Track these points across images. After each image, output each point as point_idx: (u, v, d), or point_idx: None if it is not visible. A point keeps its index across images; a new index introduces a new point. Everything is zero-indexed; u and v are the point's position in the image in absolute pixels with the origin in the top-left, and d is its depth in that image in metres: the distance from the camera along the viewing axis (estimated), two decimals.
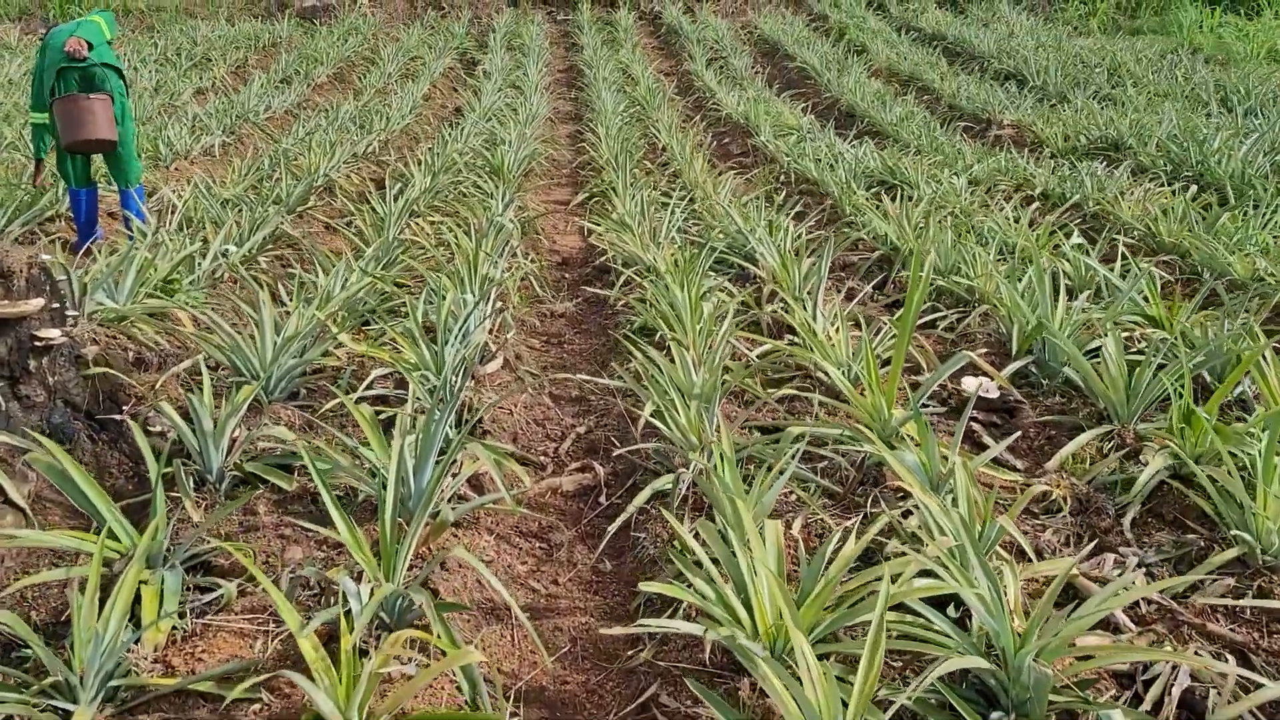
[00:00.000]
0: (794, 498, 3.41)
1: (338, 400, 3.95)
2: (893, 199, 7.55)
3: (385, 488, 2.99)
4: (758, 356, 4.60)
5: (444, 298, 4.67)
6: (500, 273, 5.61)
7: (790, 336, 4.81)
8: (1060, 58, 14.68)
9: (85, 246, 6.42)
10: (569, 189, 9.72)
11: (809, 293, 5.17)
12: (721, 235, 6.49)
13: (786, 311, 5.12)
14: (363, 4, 19.69)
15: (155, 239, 5.79)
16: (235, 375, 4.11)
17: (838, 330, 4.43)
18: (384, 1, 20.14)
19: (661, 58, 17.38)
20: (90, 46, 6.32)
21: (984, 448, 3.96)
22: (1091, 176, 7.58)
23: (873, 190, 8.31)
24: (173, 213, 6.88)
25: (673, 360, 4.21)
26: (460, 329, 4.50)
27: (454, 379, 4.17)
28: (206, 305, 5.28)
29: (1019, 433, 3.94)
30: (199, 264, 5.71)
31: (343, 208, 8.18)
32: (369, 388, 4.16)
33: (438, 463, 3.39)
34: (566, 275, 7.01)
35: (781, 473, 3.14)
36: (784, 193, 8.53)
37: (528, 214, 7.78)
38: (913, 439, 3.65)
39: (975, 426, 4.05)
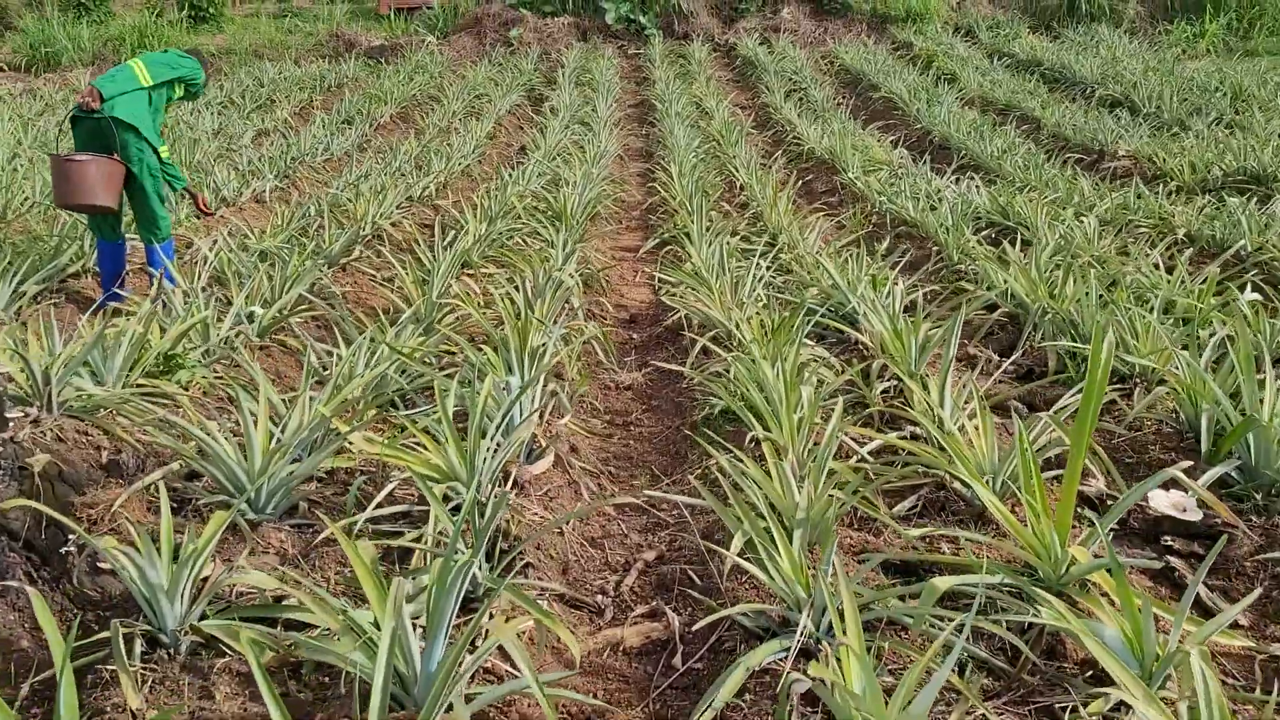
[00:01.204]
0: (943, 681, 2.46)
1: (344, 522, 3.12)
2: (1011, 244, 6.55)
3: (376, 677, 2.14)
4: (869, 454, 3.66)
5: (482, 380, 3.83)
6: (555, 340, 4.77)
7: (911, 428, 3.85)
8: (1173, 82, 13.47)
9: (102, 305, 5.78)
10: (639, 233, 8.89)
11: (930, 370, 4.22)
12: (816, 292, 5.56)
13: (900, 393, 4.18)
14: (430, 42, 19.27)
15: (155, 305, 5.07)
16: (218, 490, 3.32)
17: (976, 424, 3.47)
18: (452, 39, 19.70)
19: (737, 90, 16.54)
20: (102, 98, 5.70)
21: (1181, 588, 2.98)
22: (1248, 216, 6.47)
23: (982, 233, 7.31)
24: (204, 266, 6.21)
25: (765, 466, 3.31)
26: (502, 421, 3.66)
27: (488, 490, 3.31)
28: (217, 383, 4.53)
29: (1236, 575, 2.94)
30: (214, 332, 4.98)
31: (392, 258, 7.46)
32: (389, 499, 3.34)
33: (458, 627, 2.53)
34: (634, 335, 6.15)
35: (930, 670, 2.21)
36: (881, 238, 7.57)
37: (591, 267, 6.94)
38: (1097, 586, 2.69)
39: (1172, 560, 3.06)
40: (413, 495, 3.43)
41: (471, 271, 6.78)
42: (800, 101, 14.73)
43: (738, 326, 4.92)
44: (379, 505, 3.24)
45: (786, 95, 14.95)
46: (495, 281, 6.49)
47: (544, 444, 3.91)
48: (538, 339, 4.56)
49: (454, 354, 4.82)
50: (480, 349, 4.43)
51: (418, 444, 3.44)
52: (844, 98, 15.13)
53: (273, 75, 16.35)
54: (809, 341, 4.79)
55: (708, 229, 7.53)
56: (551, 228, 7.44)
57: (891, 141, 11.78)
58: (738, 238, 7.59)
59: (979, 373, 4.55)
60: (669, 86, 15.46)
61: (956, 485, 3.36)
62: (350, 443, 3.50)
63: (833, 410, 3.63)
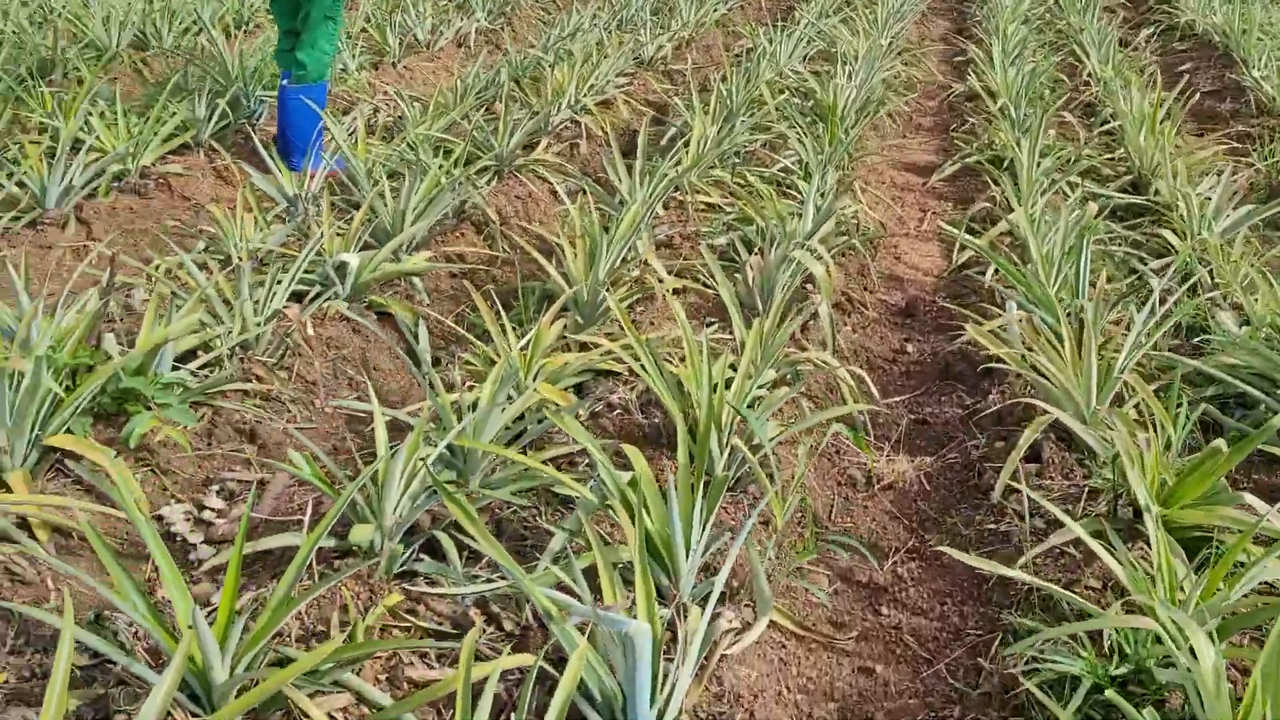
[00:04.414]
0: None
1: None
2: None
3: None
4: None
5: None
6: (767, 420, 2.74)
7: None
8: None
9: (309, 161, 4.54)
10: (933, 143, 6.45)
11: None
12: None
13: None
14: None
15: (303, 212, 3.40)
16: None
17: None
18: None
19: None
20: None
21: None
22: None
23: None
24: (325, 169, 4.53)
25: None
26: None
27: None
28: (213, 435, 2.85)
29: None
30: (249, 310, 3.28)
31: (587, 159, 5.51)
32: None
33: None
34: (909, 348, 3.97)
35: None
36: None
37: (859, 219, 4.69)
38: None
39: None
40: None
41: (682, 197, 4.74)
42: None
43: (1113, 428, 2.68)
44: None
45: None
46: (710, 223, 4.45)
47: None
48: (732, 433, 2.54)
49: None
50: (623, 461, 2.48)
51: None
52: None
53: None
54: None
55: (1043, 153, 5.06)
56: (810, 138, 5.19)
57: None
58: (1085, 179, 5.08)
59: None
60: None
61: None
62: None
63: None
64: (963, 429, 3.35)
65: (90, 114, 4.64)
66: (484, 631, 2.18)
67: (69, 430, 2.55)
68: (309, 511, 2.60)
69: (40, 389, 2.39)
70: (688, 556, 2.29)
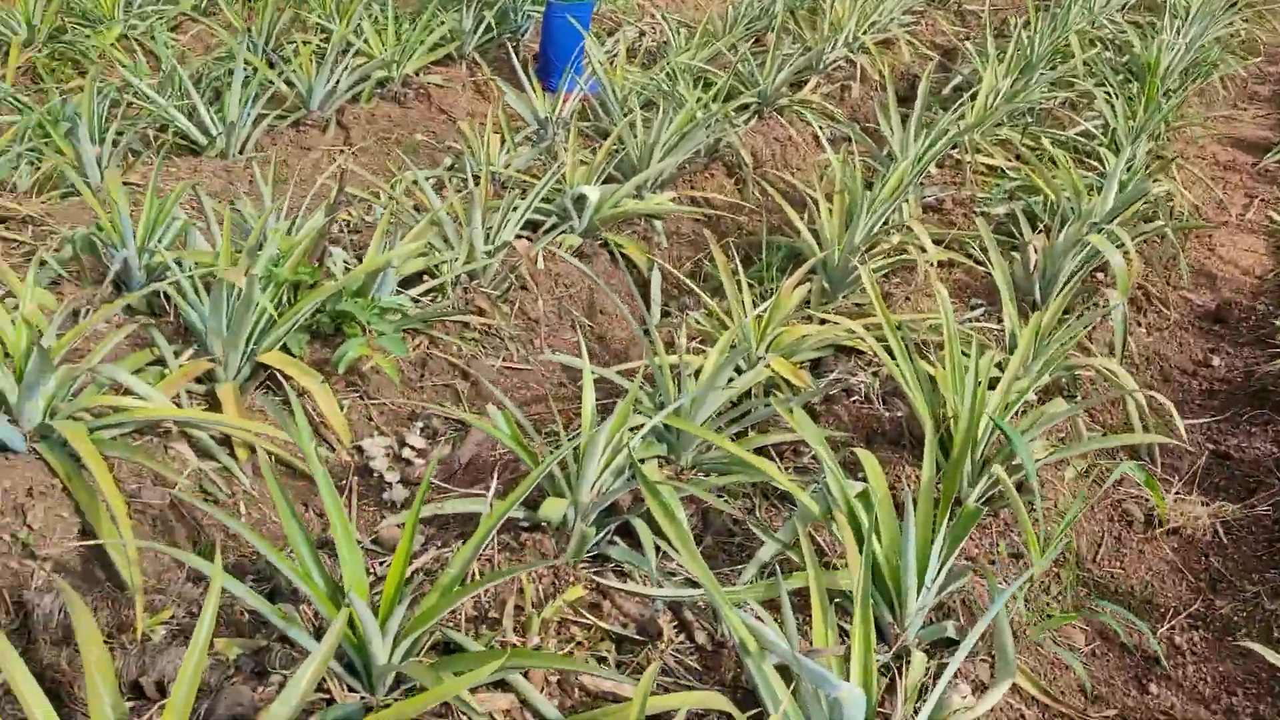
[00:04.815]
0: None
1: None
2: None
3: None
4: None
5: None
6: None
7: None
8: None
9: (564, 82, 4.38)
10: (1272, 118, 5.49)
11: None
12: None
13: None
14: None
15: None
16: None
17: None
18: None
19: None
20: None
21: None
22: None
23: None
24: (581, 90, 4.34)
25: None
26: None
27: None
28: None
29: None
30: (499, 230, 3.13)
31: (857, 104, 5.04)
32: None
33: None
34: (1215, 360, 3.34)
35: None
36: None
37: (1163, 215, 4.01)
38: None
39: None
40: None
41: (960, 155, 4.22)
42: None
43: None
44: None
45: None
46: (988, 189, 3.93)
47: None
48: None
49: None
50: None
51: None
52: None
53: None
54: None
55: None
56: (1121, 100, 4.48)
57: None
58: None
59: None
60: None
61: None
62: None
63: None
64: (1278, 473, 2.76)
65: (363, 18, 4.64)
66: (671, 641, 1.92)
67: (284, 347, 2.47)
68: (502, 472, 2.43)
69: (255, 303, 2.31)
70: (918, 593, 1.94)
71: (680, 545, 1.78)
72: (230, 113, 3.74)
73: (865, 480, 2.12)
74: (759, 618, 2.01)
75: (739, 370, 2.62)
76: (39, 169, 3.43)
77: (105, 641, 1.72)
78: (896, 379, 2.49)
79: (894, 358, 2.53)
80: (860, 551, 1.84)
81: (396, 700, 1.67)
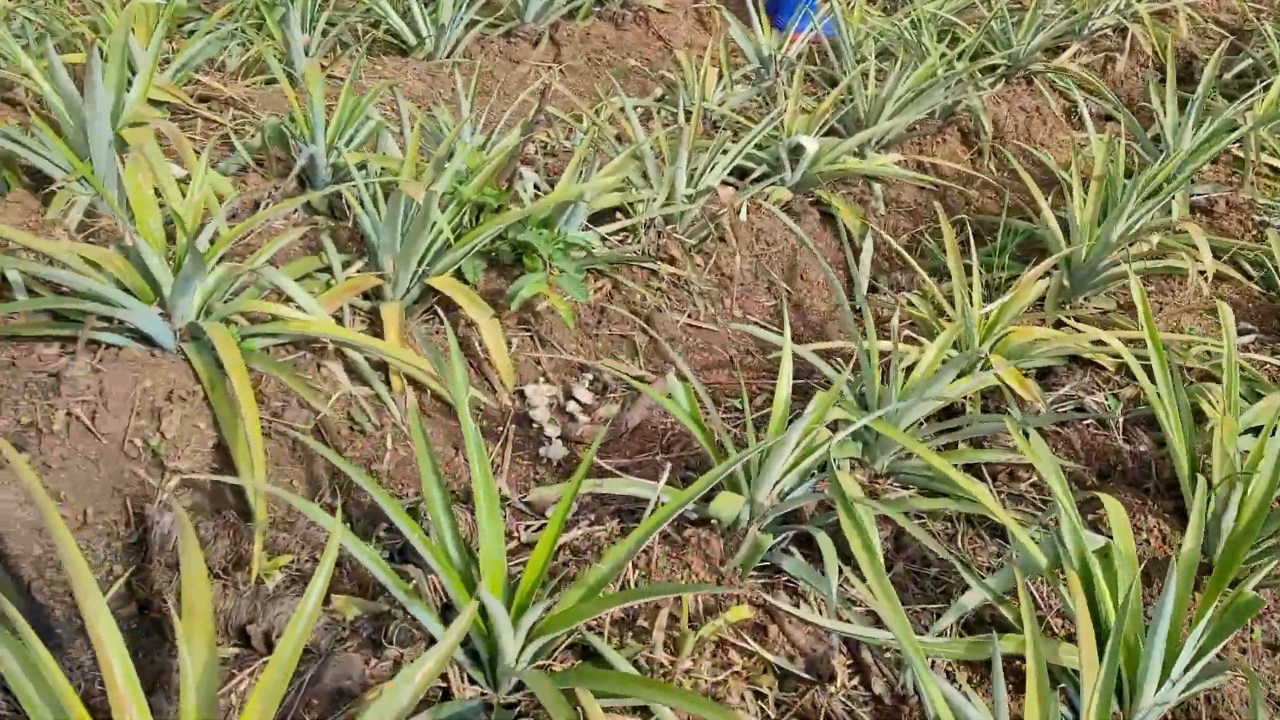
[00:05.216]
0: None
1: None
2: None
3: None
4: None
5: None
6: None
7: None
8: None
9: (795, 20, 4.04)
10: None
11: None
12: None
13: None
14: None
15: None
16: None
17: None
18: None
19: None
20: None
21: None
22: None
23: None
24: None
25: None
26: None
27: None
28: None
29: None
30: (704, 174, 2.84)
31: (1122, 78, 4.44)
32: None
33: None
34: None
35: None
36: None
37: None
38: None
39: None
40: None
41: (1242, 153, 3.63)
42: None
43: None
44: None
45: None
46: (1274, 195, 3.36)
47: None
48: None
49: None
50: None
51: None
52: None
53: None
54: None
55: None
56: None
57: None
58: None
59: None
60: None
61: None
62: None
63: None
64: None
65: None
66: (845, 687, 1.62)
67: (458, 272, 2.27)
68: (672, 445, 2.17)
69: (432, 221, 2.10)
70: (1159, 687, 1.57)
71: (874, 581, 1.47)
72: (443, 14, 3.56)
73: (1106, 532, 1.75)
74: (949, 673, 1.68)
75: (962, 371, 2.25)
76: (249, 51, 3.35)
77: (219, 578, 1.56)
78: (1154, 408, 2.07)
79: (1154, 382, 2.10)
80: (1090, 623, 1.49)
81: (520, 704, 1.44)
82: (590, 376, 2.37)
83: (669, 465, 1.78)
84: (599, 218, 2.70)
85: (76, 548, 1.15)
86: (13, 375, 1.65)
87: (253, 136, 2.76)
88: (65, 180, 2.19)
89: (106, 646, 1.12)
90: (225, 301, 1.92)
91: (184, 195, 2.09)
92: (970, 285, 2.50)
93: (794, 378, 2.11)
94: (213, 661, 1.24)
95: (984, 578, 1.75)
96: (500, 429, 2.17)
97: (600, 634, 1.53)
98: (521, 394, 2.25)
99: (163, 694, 1.40)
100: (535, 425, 2.20)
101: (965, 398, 2.29)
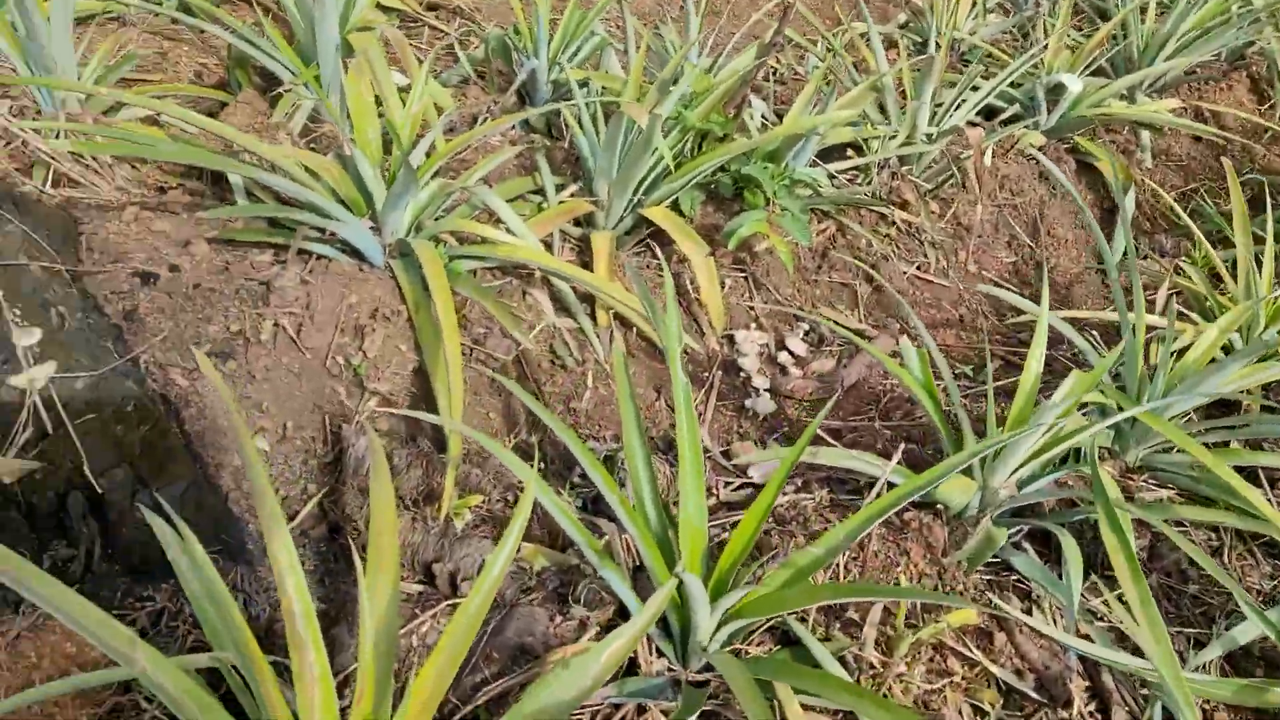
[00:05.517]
0: None
1: None
2: None
3: None
4: None
5: None
6: None
7: None
8: None
9: None
10: None
11: None
12: None
13: None
14: None
15: None
16: None
17: None
18: None
19: None
20: None
21: None
22: None
23: None
24: None
25: None
26: None
27: None
28: None
29: None
30: (949, 112, 2.56)
31: None
32: None
33: None
34: None
35: None
36: None
37: None
38: None
39: None
40: None
41: None
42: None
43: None
44: None
45: None
46: None
47: None
48: None
49: None
50: None
51: None
52: None
53: None
54: None
55: None
56: None
57: None
58: None
59: None
60: None
61: None
62: None
63: None
64: None
65: None
66: (1082, 715, 1.41)
67: (674, 204, 2.12)
68: (892, 410, 1.96)
69: (653, 147, 1.95)
70: None
71: (1137, 603, 1.25)
72: None
73: None
74: (1206, 712, 1.44)
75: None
76: None
77: (408, 509, 1.50)
78: None
79: None
80: None
81: (710, 683, 1.31)
82: (805, 326, 2.19)
83: (901, 444, 1.59)
84: (827, 154, 2.48)
85: (266, 476, 1.10)
86: (226, 280, 1.63)
87: (476, 47, 2.68)
88: (291, 84, 2.17)
89: (288, 586, 1.06)
90: (436, 219, 1.85)
91: (404, 105, 2.03)
92: (1259, 258, 2.14)
93: (1028, 337, 1.86)
94: (394, 603, 1.16)
95: (1262, 608, 1.48)
96: (705, 374, 2.03)
97: (804, 620, 1.38)
98: (730, 339, 2.10)
99: (345, 626, 1.35)
100: (742, 374, 2.05)
101: (1244, 390, 1.97)
